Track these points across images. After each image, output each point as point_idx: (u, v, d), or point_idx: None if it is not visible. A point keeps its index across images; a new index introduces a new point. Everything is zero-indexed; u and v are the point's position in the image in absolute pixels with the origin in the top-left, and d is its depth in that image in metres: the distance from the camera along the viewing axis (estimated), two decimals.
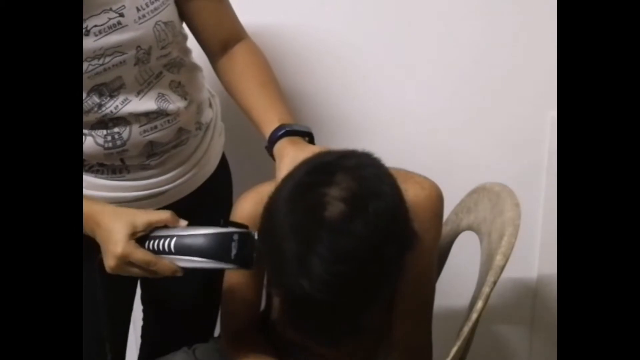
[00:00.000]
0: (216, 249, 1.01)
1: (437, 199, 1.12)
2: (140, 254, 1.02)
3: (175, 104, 1.16)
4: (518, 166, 1.61)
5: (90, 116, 1.10)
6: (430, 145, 1.61)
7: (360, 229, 0.92)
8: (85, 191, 1.12)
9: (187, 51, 1.23)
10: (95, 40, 1.05)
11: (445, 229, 1.29)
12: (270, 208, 0.99)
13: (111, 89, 1.10)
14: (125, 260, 1.02)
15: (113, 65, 1.08)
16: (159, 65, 1.15)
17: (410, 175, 1.12)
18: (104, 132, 1.12)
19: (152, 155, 1.17)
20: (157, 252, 1.02)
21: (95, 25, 1.05)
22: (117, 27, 1.06)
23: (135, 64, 1.10)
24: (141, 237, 1.03)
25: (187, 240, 1.02)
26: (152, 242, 1.03)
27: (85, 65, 1.06)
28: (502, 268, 1.05)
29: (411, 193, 1.06)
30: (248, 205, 1.13)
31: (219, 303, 1.27)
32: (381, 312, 1.13)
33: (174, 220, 1.04)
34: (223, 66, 1.22)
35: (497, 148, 1.61)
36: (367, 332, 1.08)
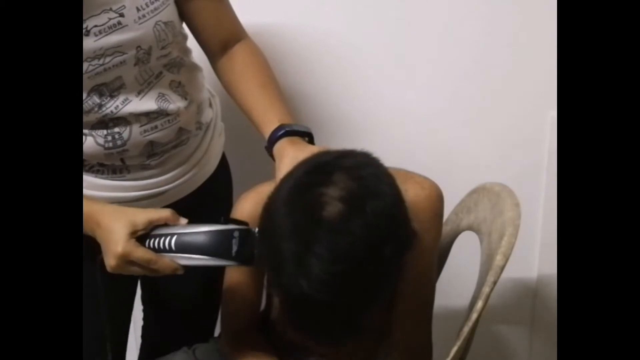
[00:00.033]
0: (217, 246, 1.01)
1: (437, 199, 1.12)
2: (140, 253, 1.02)
3: (175, 103, 1.17)
4: (518, 166, 1.61)
5: (91, 116, 1.10)
6: (430, 145, 1.61)
7: (358, 229, 0.92)
8: (86, 191, 1.13)
9: (187, 51, 1.23)
10: (95, 41, 1.05)
11: (445, 229, 1.29)
12: (269, 208, 0.99)
13: (111, 89, 1.10)
14: (126, 260, 1.02)
15: (113, 66, 1.08)
16: (159, 65, 1.15)
17: (410, 175, 1.12)
18: (104, 132, 1.12)
19: (153, 155, 1.17)
20: (158, 250, 1.02)
21: (95, 26, 1.05)
22: (117, 27, 1.06)
23: (135, 64, 1.10)
24: (142, 236, 1.03)
25: (188, 238, 1.02)
26: (152, 240, 1.03)
27: (85, 65, 1.06)
28: (502, 268, 1.05)
29: (411, 193, 1.06)
30: (248, 205, 1.13)
31: (219, 303, 1.27)
32: (381, 312, 1.13)
33: (174, 218, 1.05)
34: (223, 66, 1.22)
35: (497, 148, 1.61)
36: (367, 332, 1.08)
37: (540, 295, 1.72)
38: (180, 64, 1.19)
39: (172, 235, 1.02)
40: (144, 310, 1.46)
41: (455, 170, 1.57)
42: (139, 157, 1.16)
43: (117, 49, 1.07)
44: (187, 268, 1.04)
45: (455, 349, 1.03)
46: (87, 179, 1.15)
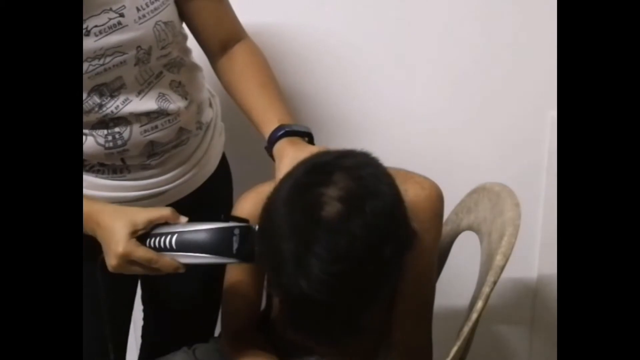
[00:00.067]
0: (218, 244, 1.01)
1: (437, 199, 1.12)
2: (141, 252, 1.02)
3: (175, 103, 1.17)
4: (518, 166, 1.61)
5: (91, 116, 1.10)
6: (430, 145, 1.61)
7: (357, 229, 0.92)
8: (86, 191, 1.13)
9: (187, 51, 1.23)
10: (95, 41, 1.05)
11: (445, 229, 1.29)
12: (269, 208, 0.99)
13: (112, 89, 1.10)
14: (127, 259, 1.02)
15: (113, 66, 1.08)
16: (159, 65, 1.15)
17: (410, 175, 1.12)
18: (105, 132, 1.12)
19: (153, 155, 1.17)
20: (159, 249, 1.02)
21: (96, 26, 1.05)
22: (118, 27, 1.06)
23: (135, 64, 1.10)
24: (142, 235, 1.03)
25: (188, 236, 1.02)
26: (153, 239, 1.03)
27: (85, 65, 1.06)
28: (502, 268, 1.05)
29: (411, 193, 1.06)
30: (248, 205, 1.14)
31: (219, 303, 1.27)
32: (381, 312, 1.13)
33: (174, 217, 1.05)
34: (223, 66, 1.22)
35: (497, 148, 1.61)
36: (367, 332, 1.08)
37: (540, 295, 1.72)
38: (181, 64, 1.19)
39: (172, 233, 1.02)
40: (144, 310, 1.47)
41: (455, 170, 1.57)
42: (140, 157, 1.16)
43: (117, 49, 1.07)
44: (188, 266, 1.04)
45: (455, 349, 1.03)
46: (88, 178, 1.15)
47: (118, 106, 1.11)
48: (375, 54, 1.55)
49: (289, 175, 1.00)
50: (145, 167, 1.17)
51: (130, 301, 1.35)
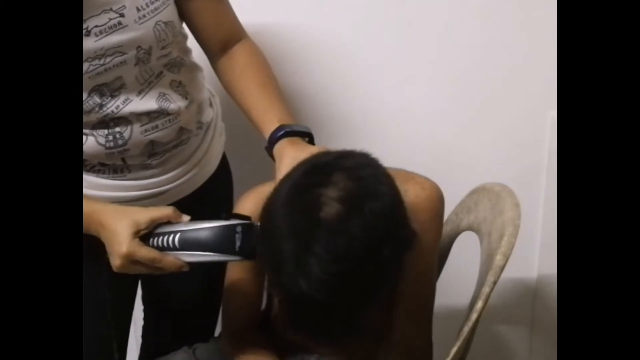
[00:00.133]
0: (220, 242, 1.01)
1: (438, 200, 1.12)
2: (144, 252, 1.02)
3: (176, 103, 1.17)
4: (518, 166, 1.61)
5: (92, 116, 1.11)
6: (430, 145, 1.61)
7: (356, 229, 0.92)
8: (87, 191, 1.13)
9: (187, 51, 1.23)
10: (95, 41, 1.05)
11: (445, 229, 1.29)
12: (269, 209, 0.99)
13: (112, 89, 1.10)
14: (130, 259, 1.02)
15: (114, 66, 1.08)
16: (160, 65, 1.15)
17: (410, 175, 1.13)
18: (105, 131, 1.12)
19: (153, 154, 1.17)
20: (162, 248, 1.03)
21: (96, 26, 1.05)
22: (118, 27, 1.06)
23: (135, 64, 1.10)
24: (145, 235, 1.03)
25: (191, 235, 1.02)
26: (156, 239, 1.03)
27: (86, 65, 1.06)
28: (502, 268, 1.05)
29: (412, 193, 1.06)
30: (249, 205, 1.14)
31: (219, 303, 1.27)
32: (381, 312, 1.13)
33: (176, 215, 1.05)
34: (223, 66, 1.22)
35: (497, 148, 1.61)
36: (366, 332, 1.08)
37: (540, 295, 1.72)
38: (181, 63, 1.19)
39: (175, 232, 1.03)
40: (145, 310, 1.47)
41: (455, 171, 1.57)
42: (140, 157, 1.16)
43: (117, 49, 1.07)
44: (191, 265, 1.04)
45: (455, 349, 1.03)
46: (88, 178, 1.15)
47: (118, 106, 1.11)
48: (375, 54, 1.55)
49: (288, 175, 1.00)
50: (145, 167, 1.18)
51: (131, 301, 1.35)
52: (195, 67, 1.25)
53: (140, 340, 1.50)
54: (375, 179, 0.97)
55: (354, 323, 1.00)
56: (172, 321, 1.41)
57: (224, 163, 1.34)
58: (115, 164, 1.15)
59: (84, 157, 1.13)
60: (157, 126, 1.15)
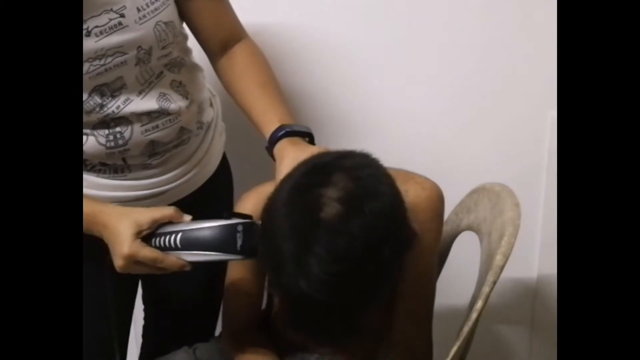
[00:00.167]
0: (222, 241, 1.01)
1: (438, 200, 1.12)
2: (146, 252, 1.02)
3: (176, 103, 1.17)
4: (518, 166, 1.61)
5: (92, 116, 1.11)
6: (430, 145, 1.61)
7: (356, 229, 0.92)
8: (87, 190, 1.13)
9: (187, 51, 1.23)
10: (96, 41, 1.05)
11: (445, 229, 1.29)
12: (269, 209, 0.99)
13: (112, 89, 1.10)
14: (132, 260, 1.02)
15: (114, 66, 1.08)
16: (160, 65, 1.15)
17: (410, 175, 1.13)
18: (106, 131, 1.12)
19: (154, 154, 1.17)
20: (164, 248, 1.03)
21: (96, 26, 1.05)
22: (118, 27, 1.06)
23: (136, 64, 1.10)
24: (147, 235, 1.03)
25: (192, 235, 1.02)
26: (158, 239, 1.03)
27: (86, 65, 1.06)
28: (502, 268, 1.06)
29: (412, 193, 1.06)
30: (249, 205, 1.14)
31: (219, 302, 1.27)
32: (381, 312, 1.13)
33: (178, 215, 1.05)
34: (223, 66, 1.23)
35: (497, 148, 1.61)
36: (366, 332, 1.09)
37: (540, 295, 1.72)
38: (181, 63, 1.19)
39: (176, 232, 1.03)
40: (145, 310, 1.47)
41: (455, 170, 1.57)
42: (141, 157, 1.16)
43: (118, 50, 1.07)
44: (193, 264, 1.04)
45: (455, 348, 1.03)
46: (89, 178, 1.15)
47: (119, 106, 1.11)
48: (375, 54, 1.55)
49: (289, 175, 1.00)
50: (146, 167, 1.18)
51: (131, 301, 1.35)
52: (195, 67, 1.25)
53: (140, 340, 1.50)
54: (376, 179, 0.97)
55: (354, 323, 1.00)
56: (173, 321, 1.41)
57: (224, 163, 1.34)
58: (115, 164, 1.16)
59: (84, 157, 1.13)
60: (157, 126, 1.15)
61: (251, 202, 1.14)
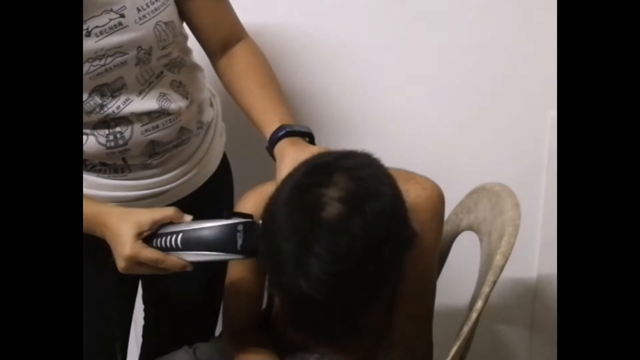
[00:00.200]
0: (222, 241, 1.01)
1: (439, 200, 1.12)
2: (148, 253, 1.02)
3: (176, 103, 1.17)
4: (518, 166, 1.61)
5: (92, 116, 1.11)
6: (431, 145, 1.61)
7: (357, 229, 0.92)
8: (88, 190, 1.13)
9: (187, 51, 1.23)
10: (96, 41, 1.05)
11: (445, 229, 1.29)
12: (270, 209, 0.99)
13: (113, 90, 1.11)
14: (134, 261, 1.02)
15: (114, 66, 1.08)
16: (160, 65, 1.15)
17: (411, 175, 1.13)
18: (106, 131, 1.12)
19: (154, 154, 1.17)
20: (165, 249, 1.03)
21: (96, 26, 1.05)
22: (118, 27, 1.06)
23: (136, 64, 1.11)
24: (149, 236, 1.04)
25: (193, 235, 1.03)
26: (159, 239, 1.04)
27: (86, 66, 1.06)
28: (502, 268, 1.06)
29: (412, 194, 1.06)
30: (249, 205, 1.14)
31: (219, 302, 1.27)
32: (381, 312, 1.13)
33: (178, 216, 1.05)
34: (223, 66, 1.23)
35: (497, 148, 1.61)
36: (366, 332, 1.09)
37: (540, 295, 1.72)
38: (181, 63, 1.19)
39: (177, 233, 1.03)
40: (145, 310, 1.47)
41: (455, 170, 1.57)
42: (141, 157, 1.16)
43: (118, 50, 1.07)
44: (194, 264, 1.04)
45: (455, 348, 1.03)
46: (89, 178, 1.15)
47: (119, 106, 1.11)
48: (375, 54, 1.55)
49: (289, 175, 1.00)
50: (146, 167, 1.18)
51: (131, 301, 1.35)
52: (195, 67, 1.25)
53: (140, 340, 1.50)
54: (376, 179, 0.97)
55: (354, 323, 1.00)
56: (173, 321, 1.41)
57: (224, 163, 1.34)
58: (116, 164, 1.16)
59: (84, 157, 1.13)
60: (157, 126, 1.15)
61: (252, 202, 1.14)
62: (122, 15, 1.06)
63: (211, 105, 1.29)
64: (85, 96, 1.08)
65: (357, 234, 0.92)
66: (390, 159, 1.02)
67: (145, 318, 1.48)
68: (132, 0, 1.07)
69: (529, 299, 1.73)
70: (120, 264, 1.03)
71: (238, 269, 1.18)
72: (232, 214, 1.03)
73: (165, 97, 1.16)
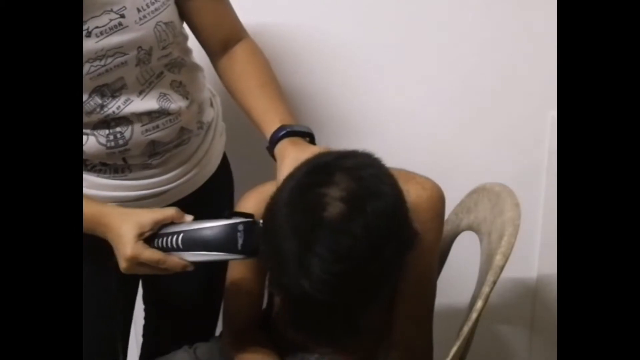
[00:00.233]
0: (222, 241, 1.02)
1: (439, 200, 1.12)
2: (149, 254, 1.02)
3: (176, 103, 1.17)
4: (518, 166, 1.61)
5: (93, 117, 1.11)
6: (431, 145, 1.61)
7: (359, 229, 0.92)
8: (88, 190, 1.13)
9: (187, 51, 1.23)
10: (96, 42, 1.05)
11: (445, 229, 1.29)
12: (271, 208, 0.99)
13: (113, 90, 1.11)
14: (135, 262, 1.03)
15: (114, 66, 1.08)
16: (160, 65, 1.15)
17: (411, 175, 1.13)
18: (106, 131, 1.12)
19: (154, 154, 1.17)
20: (166, 249, 1.03)
21: (97, 27, 1.05)
22: (118, 28, 1.06)
23: (136, 65, 1.11)
24: (150, 236, 1.04)
25: (193, 235, 1.03)
26: (160, 240, 1.04)
27: (87, 66, 1.06)
28: (502, 268, 1.06)
29: (413, 194, 1.06)
30: (250, 205, 1.14)
31: (219, 302, 1.27)
32: (381, 312, 1.13)
33: (179, 216, 1.05)
34: (223, 66, 1.23)
35: (497, 148, 1.61)
36: (366, 332, 1.09)
37: (540, 295, 1.72)
38: (181, 64, 1.19)
39: (178, 233, 1.03)
40: (146, 310, 1.47)
41: (455, 170, 1.57)
42: (141, 157, 1.16)
43: (118, 50, 1.07)
44: (195, 264, 1.04)
45: (455, 348, 1.03)
46: (89, 178, 1.15)
47: (119, 106, 1.11)
48: (375, 54, 1.55)
49: (290, 175, 1.00)
50: (146, 167, 1.18)
51: (132, 300, 1.35)
52: (195, 67, 1.25)
53: (140, 340, 1.50)
54: (378, 179, 0.97)
55: (355, 323, 1.01)
56: (173, 320, 1.41)
57: (224, 163, 1.34)
58: (116, 164, 1.16)
59: (84, 157, 1.13)
60: (157, 126, 1.15)
61: (252, 202, 1.14)
62: (122, 16, 1.06)
63: (211, 105, 1.29)
64: (85, 96, 1.08)
65: (358, 234, 0.92)
66: (390, 159, 1.02)
67: (145, 318, 1.48)
68: (132, 1, 1.07)
69: (529, 299, 1.73)
70: (122, 265, 1.03)
71: (238, 269, 1.18)
72: (232, 214, 1.03)
73: (165, 97, 1.16)
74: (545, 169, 1.61)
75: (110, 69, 1.08)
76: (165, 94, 1.16)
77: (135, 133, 1.14)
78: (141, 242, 1.02)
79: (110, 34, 1.06)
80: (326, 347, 1.14)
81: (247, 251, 1.02)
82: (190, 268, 1.04)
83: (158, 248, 1.04)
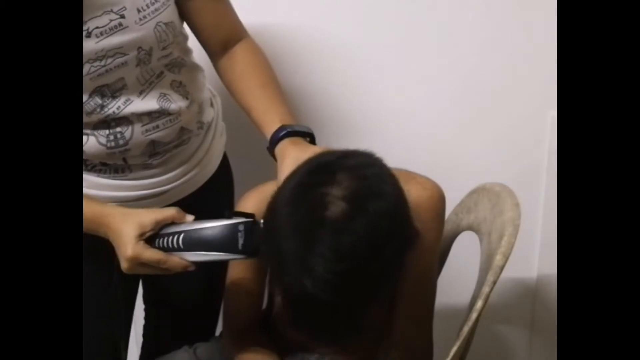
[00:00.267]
0: (223, 241, 1.02)
1: (439, 200, 1.12)
2: (150, 254, 1.02)
3: (177, 103, 1.17)
4: (518, 166, 1.61)
5: (93, 117, 1.11)
6: (431, 145, 1.61)
7: (361, 228, 0.92)
8: (88, 190, 1.13)
9: (187, 51, 1.23)
10: (96, 42, 1.05)
11: (446, 229, 1.29)
12: (272, 208, 0.99)
13: (113, 90, 1.11)
14: (136, 262, 1.03)
15: (115, 67, 1.08)
16: (160, 65, 1.15)
17: (412, 175, 1.13)
18: (107, 131, 1.12)
19: (154, 154, 1.17)
20: (167, 249, 1.03)
21: (97, 27, 1.05)
22: (119, 28, 1.06)
23: (136, 65, 1.11)
24: (151, 236, 1.04)
25: (194, 235, 1.03)
26: (161, 240, 1.04)
27: (87, 67, 1.06)
28: (502, 268, 1.06)
29: (413, 194, 1.06)
30: (250, 205, 1.14)
31: (219, 302, 1.27)
32: (381, 312, 1.13)
33: (180, 216, 1.05)
34: (224, 66, 1.23)
35: (497, 148, 1.61)
36: (367, 332, 1.09)
37: (540, 295, 1.72)
38: (181, 64, 1.19)
39: (179, 233, 1.03)
40: (146, 309, 1.47)
41: (455, 170, 1.57)
42: (141, 157, 1.16)
43: (118, 50, 1.08)
44: (196, 264, 1.04)
45: (455, 348, 1.03)
46: (89, 178, 1.15)
47: (120, 107, 1.12)
48: (375, 54, 1.55)
49: (292, 175, 1.00)
50: (146, 167, 1.18)
51: (132, 300, 1.35)
52: (195, 67, 1.25)
53: (140, 340, 1.50)
54: (379, 179, 0.97)
55: (356, 323, 1.01)
56: (173, 320, 1.41)
57: (224, 163, 1.34)
58: (116, 164, 1.16)
59: (85, 157, 1.13)
60: (158, 126, 1.15)
61: (252, 202, 1.14)
62: (123, 16, 1.06)
63: (211, 105, 1.29)
64: (85, 97, 1.08)
65: (361, 233, 0.92)
66: (390, 159, 1.02)
67: (145, 318, 1.48)
68: (133, 1, 1.07)
69: (529, 299, 1.73)
70: (123, 265, 1.04)
71: (238, 269, 1.18)
72: (233, 214, 1.03)
73: (165, 97, 1.16)
74: (545, 169, 1.61)
75: (111, 69, 1.08)
76: (165, 94, 1.16)
77: (136, 133, 1.14)
78: (142, 242, 1.03)
79: (111, 35, 1.06)
80: (326, 346, 1.14)
81: (248, 251, 1.02)
82: (191, 268, 1.04)
83: (159, 248, 1.04)
